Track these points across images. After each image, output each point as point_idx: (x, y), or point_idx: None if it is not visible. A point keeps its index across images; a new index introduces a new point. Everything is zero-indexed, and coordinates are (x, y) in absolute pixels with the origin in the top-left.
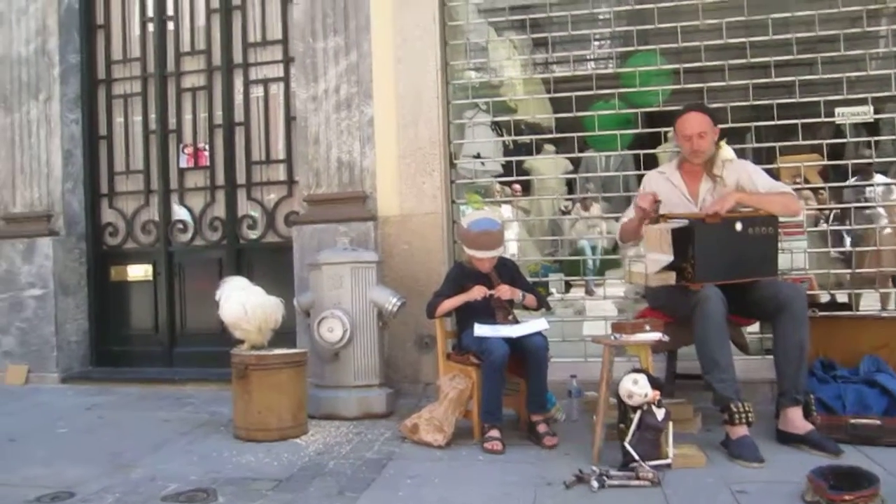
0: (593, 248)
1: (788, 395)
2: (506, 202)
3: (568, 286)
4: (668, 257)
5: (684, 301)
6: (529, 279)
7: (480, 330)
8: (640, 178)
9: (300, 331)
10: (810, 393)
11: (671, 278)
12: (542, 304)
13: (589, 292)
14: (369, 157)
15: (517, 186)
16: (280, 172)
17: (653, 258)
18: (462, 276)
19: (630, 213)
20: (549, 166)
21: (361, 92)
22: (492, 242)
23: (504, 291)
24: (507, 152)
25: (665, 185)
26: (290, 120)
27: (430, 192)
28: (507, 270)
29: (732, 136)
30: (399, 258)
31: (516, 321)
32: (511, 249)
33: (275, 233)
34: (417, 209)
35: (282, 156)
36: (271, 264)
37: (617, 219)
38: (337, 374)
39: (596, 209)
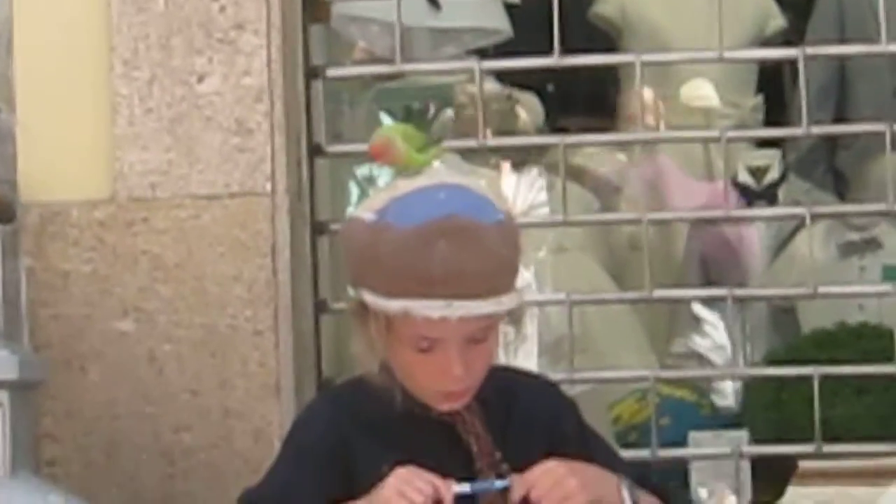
0: None
1: None
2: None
3: (784, 466)
4: None
5: None
6: (619, 448)
7: None
8: None
9: None
10: None
11: None
12: None
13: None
14: None
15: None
16: None
17: None
18: (355, 432)
19: None
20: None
21: None
22: (477, 277)
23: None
24: None
25: None
26: None
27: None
28: (535, 416)
29: None
30: (106, 371)
31: None
32: (551, 330)
33: None
34: (177, 183)
35: None
36: None
37: None
38: None
39: None
